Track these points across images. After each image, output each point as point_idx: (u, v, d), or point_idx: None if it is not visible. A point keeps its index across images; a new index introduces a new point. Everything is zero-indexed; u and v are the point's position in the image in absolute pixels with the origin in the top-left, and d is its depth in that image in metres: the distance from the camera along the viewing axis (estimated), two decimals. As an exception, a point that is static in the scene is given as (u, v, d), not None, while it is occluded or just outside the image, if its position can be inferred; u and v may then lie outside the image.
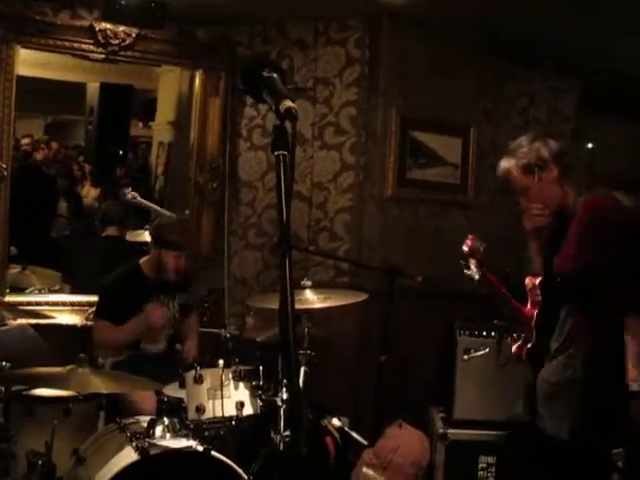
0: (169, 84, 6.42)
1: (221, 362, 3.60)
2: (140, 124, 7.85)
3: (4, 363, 3.40)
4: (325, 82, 5.12)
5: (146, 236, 5.97)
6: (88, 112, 7.52)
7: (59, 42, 4.82)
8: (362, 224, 5.13)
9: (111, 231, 5.55)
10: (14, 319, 4.11)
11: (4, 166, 4.78)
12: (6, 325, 4.17)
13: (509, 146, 3.21)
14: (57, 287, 5.42)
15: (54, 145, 7.47)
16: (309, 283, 4.24)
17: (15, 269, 5.46)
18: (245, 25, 5.23)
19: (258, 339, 4.47)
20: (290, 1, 4.78)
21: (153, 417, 3.36)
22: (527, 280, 3.43)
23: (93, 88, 7.24)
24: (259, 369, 3.67)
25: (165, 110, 6.89)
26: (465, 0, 4.59)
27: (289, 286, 1.58)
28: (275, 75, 1.74)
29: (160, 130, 7.16)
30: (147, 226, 6.21)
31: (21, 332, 4.20)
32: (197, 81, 5.29)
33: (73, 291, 5.26)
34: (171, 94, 6.42)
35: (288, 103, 1.63)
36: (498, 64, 5.63)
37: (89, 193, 7.31)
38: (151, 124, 7.55)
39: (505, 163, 3.18)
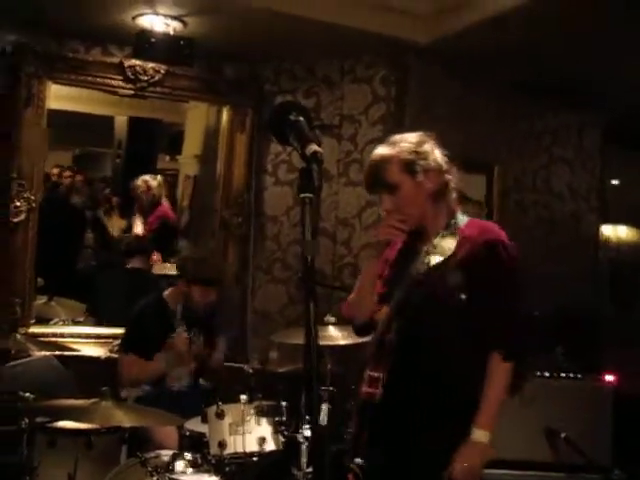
0: (196, 118, 6.51)
1: (243, 397, 3.59)
2: (167, 157, 7.96)
3: (28, 394, 3.43)
4: (351, 119, 5.17)
5: (171, 269, 6.03)
6: (116, 145, 7.64)
7: (90, 78, 4.94)
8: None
9: (136, 263, 5.60)
10: (39, 350, 4.13)
11: (33, 198, 4.85)
12: (31, 356, 4.21)
13: (392, 137, 2.68)
14: (81, 319, 5.44)
15: (78, 176, 7.55)
16: (333, 319, 4.23)
17: (41, 300, 5.52)
18: (272, 62, 5.31)
19: (280, 371, 4.47)
20: (317, 39, 4.83)
21: (175, 452, 3.36)
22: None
23: (121, 121, 7.36)
24: (281, 404, 3.66)
25: (192, 144, 6.97)
26: (489, 38, 4.63)
27: (313, 322, 1.60)
28: (301, 119, 1.77)
29: (186, 163, 7.23)
30: (172, 259, 6.27)
31: (45, 363, 4.24)
32: (224, 117, 5.37)
33: (97, 323, 5.30)
34: (198, 128, 6.51)
35: (314, 147, 1.66)
36: (522, 100, 5.65)
37: (116, 225, 7.37)
38: (178, 157, 7.64)
39: (385, 150, 2.61)
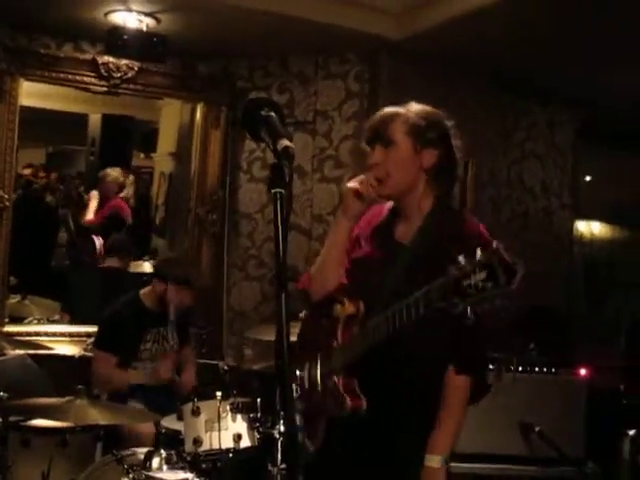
0: (170, 116, 6.49)
1: (219, 394, 3.59)
2: (142, 155, 7.92)
3: (1, 393, 3.40)
4: (325, 115, 5.18)
5: (146, 267, 6.01)
6: (90, 142, 7.59)
7: (62, 75, 4.90)
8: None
9: (112, 262, 5.58)
10: (13, 349, 4.10)
11: (6, 196, 4.81)
12: (4, 355, 4.17)
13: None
14: (56, 317, 5.42)
15: (53, 175, 7.51)
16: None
17: (14, 299, 5.48)
18: (246, 59, 5.30)
19: (255, 368, 4.47)
20: (290, 35, 4.84)
21: (150, 449, 3.35)
22: (344, 306, 2.40)
23: (95, 119, 7.31)
24: (257, 401, 3.66)
25: (166, 141, 6.95)
26: (460, 35, 4.66)
27: (284, 318, 1.60)
28: (273, 114, 1.77)
29: (161, 161, 7.21)
30: (146, 257, 6.26)
31: (19, 362, 4.19)
32: (198, 114, 5.36)
33: (72, 321, 5.27)
34: (172, 126, 6.49)
35: (285, 142, 1.66)
36: (497, 97, 5.69)
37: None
38: (152, 155, 7.61)
39: (398, 108, 2.37)
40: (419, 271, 2.15)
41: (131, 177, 6.99)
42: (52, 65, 4.84)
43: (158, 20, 4.64)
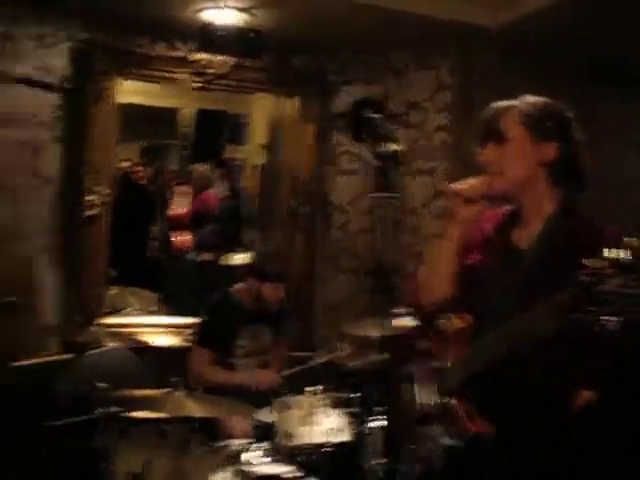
0: (262, 109, 6.54)
1: (312, 389, 3.61)
2: (233, 147, 8.01)
3: (102, 384, 3.50)
4: (417, 107, 5.13)
5: (238, 259, 6.09)
6: (182, 137, 7.74)
7: (156, 73, 4.99)
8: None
9: (204, 256, 5.67)
10: (112, 341, 4.21)
11: (106, 191, 4.93)
12: (104, 347, 4.29)
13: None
14: (154, 308, 5.52)
15: (149, 169, 7.68)
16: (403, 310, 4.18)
17: (114, 290, 5.62)
18: (339, 52, 5.29)
19: (350, 364, 4.45)
20: (383, 28, 4.79)
21: (246, 441, 3.39)
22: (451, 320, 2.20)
23: (188, 113, 7.45)
24: (351, 396, 3.66)
25: (258, 133, 7.02)
26: (556, 23, 4.52)
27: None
28: (377, 116, 1.73)
29: (253, 153, 7.29)
30: (239, 249, 6.35)
31: (119, 354, 4.31)
32: (290, 107, 5.37)
33: (169, 313, 5.37)
34: (263, 118, 6.55)
35: (394, 147, 1.61)
36: (592, 86, 5.50)
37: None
38: (243, 147, 7.70)
39: (505, 102, 2.18)
40: (541, 280, 1.93)
41: (221, 170, 7.09)
42: (147, 63, 4.93)
43: (253, 15, 4.66)
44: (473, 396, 2.07)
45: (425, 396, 2.14)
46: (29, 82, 4.64)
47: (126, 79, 5.00)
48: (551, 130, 2.10)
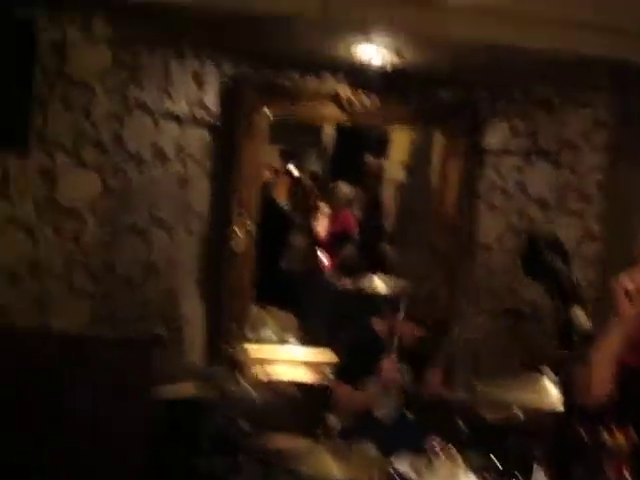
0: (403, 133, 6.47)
1: (452, 447, 3.52)
2: (372, 158, 7.96)
3: (244, 424, 3.57)
4: (570, 145, 4.93)
5: (378, 283, 6.03)
6: (323, 149, 7.77)
7: (303, 108, 5.03)
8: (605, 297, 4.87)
9: (344, 281, 5.66)
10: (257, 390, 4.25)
11: (250, 223, 5.01)
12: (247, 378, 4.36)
13: None
14: (291, 339, 5.53)
15: (289, 177, 7.67)
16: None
17: (253, 309, 5.68)
18: (487, 87, 5.17)
19: (488, 417, 4.32)
20: (534, 64, 4.63)
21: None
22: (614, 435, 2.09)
23: (329, 127, 7.45)
24: (491, 456, 3.56)
25: (398, 150, 6.96)
26: None
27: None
28: (559, 264, 1.63)
29: (393, 167, 7.23)
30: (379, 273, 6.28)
31: (262, 391, 4.38)
32: (436, 140, 5.29)
33: (305, 342, 5.39)
34: (406, 138, 6.49)
35: (578, 311, 1.52)
36: None
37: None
38: (384, 160, 7.63)
39: None
40: None
41: (361, 187, 7.05)
42: (295, 97, 4.97)
43: (400, 54, 4.60)
44: None
45: None
46: (182, 118, 4.76)
47: (274, 112, 5.02)
48: None
